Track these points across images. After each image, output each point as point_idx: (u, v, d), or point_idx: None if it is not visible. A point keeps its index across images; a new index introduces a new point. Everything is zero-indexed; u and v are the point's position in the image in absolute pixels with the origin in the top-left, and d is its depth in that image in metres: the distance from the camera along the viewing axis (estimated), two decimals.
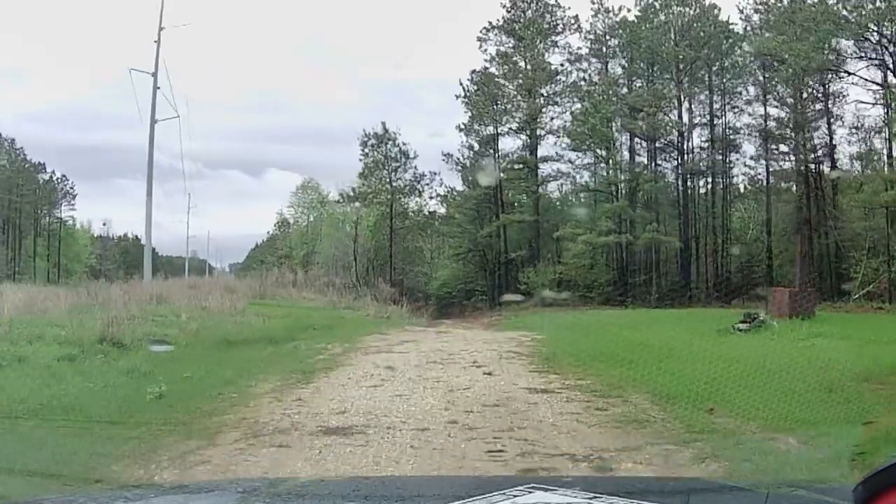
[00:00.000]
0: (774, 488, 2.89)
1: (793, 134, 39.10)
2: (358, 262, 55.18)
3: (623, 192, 41.25)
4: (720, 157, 42.52)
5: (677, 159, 41.58)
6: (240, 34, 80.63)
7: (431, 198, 50.66)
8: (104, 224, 70.76)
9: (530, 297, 41.37)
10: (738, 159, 43.38)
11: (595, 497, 2.14)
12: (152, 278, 41.72)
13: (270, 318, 28.19)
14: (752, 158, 42.50)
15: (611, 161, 40.59)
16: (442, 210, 52.31)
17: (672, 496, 2.64)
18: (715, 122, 43.00)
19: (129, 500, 2.66)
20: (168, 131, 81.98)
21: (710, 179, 43.74)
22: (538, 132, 46.05)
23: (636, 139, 42.96)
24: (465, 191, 47.84)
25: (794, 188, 40.77)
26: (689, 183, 42.51)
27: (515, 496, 2.15)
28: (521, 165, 46.91)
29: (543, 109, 46.19)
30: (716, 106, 43.26)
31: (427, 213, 52.40)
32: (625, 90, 43.99)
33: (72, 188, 63.76)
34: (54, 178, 62.68)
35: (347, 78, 79.43)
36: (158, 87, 41.57)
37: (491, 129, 47.82)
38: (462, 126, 47.71)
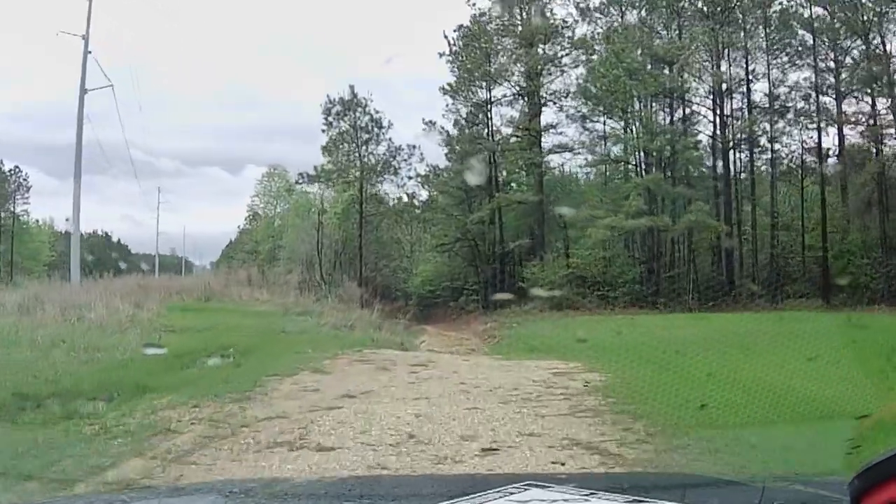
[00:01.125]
0: (770, 482, 2.75)
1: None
2: (323, 256, 46.03)
3: (654, 162, 32.25)
4: (765, 124, 33.73)
5: (715, 124, 32.81)
6: (217, 30, 75.93)
7: (410, 178, 41.57)
8: (67, 220, 65.44)
9: (530, 298, 32.70)
10: (784, 129, 34.63)
11: (591, 494, 2.14)
12: (89, 276, 37.35)
13: (174, 334, 20.15)
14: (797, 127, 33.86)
15: (637, 125, 31.54)
16: (424, 193, 43.49)
17: (668, 491, 2.40)
18: (756, 82, 34.26)
19: (125, 502, 2.54)
20: (136, 125, 77.16)
21: (747, 151, 34.93)
22: (540, 94, 37.15)
23: (663, 101, 34.11)
24: (451, 166, 38.84)
25: (867, 163, 32.05)
26: (730, 155, 33.68)
27: (511, 493, 2.11)
28: (519, 136, 38.02)
29: (547, 67, 37.26)
30: (757, 65, 34.50)
31: (406, 196, 43.12)
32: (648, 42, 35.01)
33: (25, 180, 58.01)
34: (3, 170, 56.72)
35: (328, 75, 76.61)
36: (90, 52, 34.76)
37: (483, 92, 38.98)
38: (447, 87, 38.76)
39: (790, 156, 35.41)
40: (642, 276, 31.63)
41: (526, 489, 2.17)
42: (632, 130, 31.89)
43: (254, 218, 69.23)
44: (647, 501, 2.04)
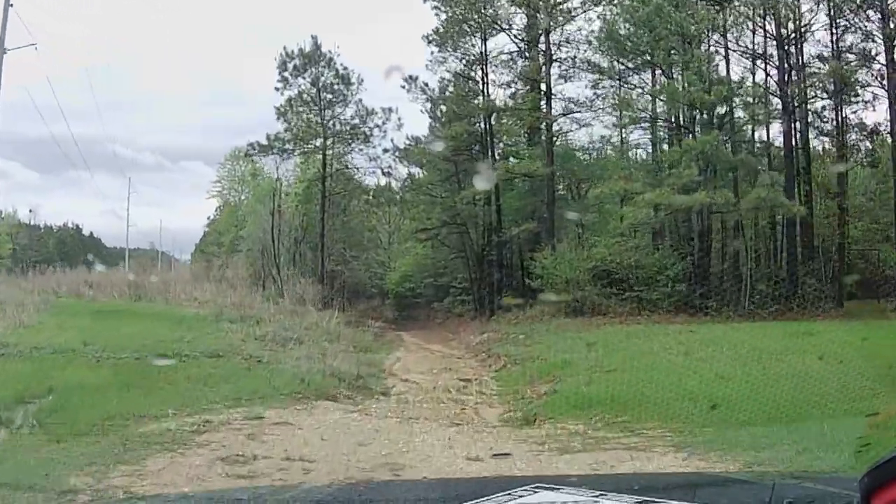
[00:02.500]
0: (780, 479, 2.78)
1: None
2: (281, 246, 37.87)
3: (702, 123, 24.12)
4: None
5: (783, 72, 24.88)
6: (198, 23, 71.23)
7: (386, 150, 33.36)
8: (30, 211, 62.37)
9: (539, 300, 25.01)
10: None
11: (601, 495, 2.10)
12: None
13: None
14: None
15: (684, 72, 23.32)
16: (402, 171, 35.33)
17: (678, 491, 2.39)
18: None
19: None
20: (117, 119, 74.12)
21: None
22: (551, 39, 29.18)
23: (709, 44, 26.14)
24: (437, 129, 30.76)
25: None
26: (796, 121, 25.68)
27: (521, 496, 2.09)
28: (522, 91, 30.04)
29: (558, 7, 29.25)
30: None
31: (382, 172, 34.65)
32: None
33: None
34: None
35: None
36: (11, 5, 28.30)
37: (477, 41, 31.02)
38: (432, 34, 30.69)
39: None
40: (688, 273, 23.71)
41: (535, 491, 2.12)
42: (678, 80, 23.72)
43: (225, 207, 62.68)
44: (657, 501, 1.98)
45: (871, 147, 28.79)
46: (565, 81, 27.69)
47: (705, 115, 23.61)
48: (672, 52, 23.79)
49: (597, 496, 2.10)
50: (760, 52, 25.81)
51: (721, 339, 16.56)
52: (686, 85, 22.80)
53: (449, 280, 32.66)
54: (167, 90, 72.31)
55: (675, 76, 23.89)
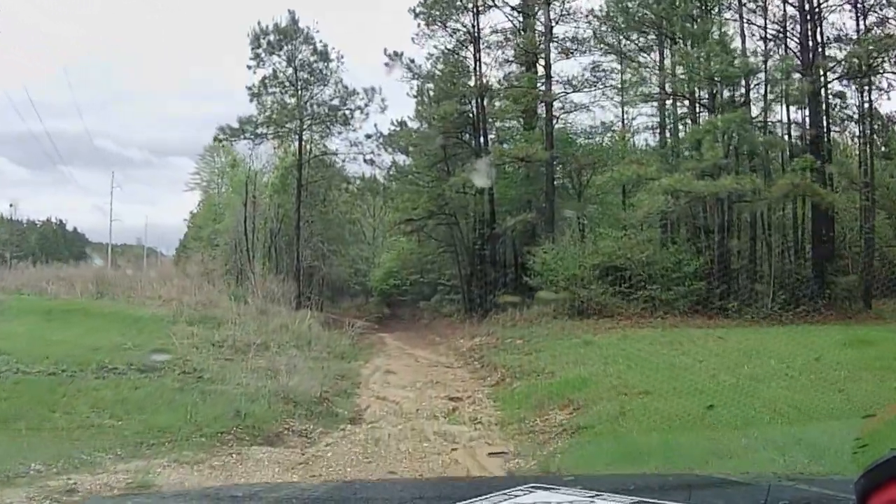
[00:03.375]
0: (776, 481, 2.75)
1: None
2: (256, 240, 34.98)
3: (723, 101, 21.22)
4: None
5: (807, 57, 22.04)
6: (182, 18, 67.85)
7: (369, 136, 30.41)
8: (11, 206, 62.91)
9: (537, 298, 22.39)
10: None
11: (597, 495, 2.07)
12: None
13: None
14: None
15: (706, 44, 20.29)
16: (387, 158, 32.40)
17: (673, 492, 2.44)
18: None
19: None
20: (106, 116, 69.64)
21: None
22: (551, 13, 26.29)
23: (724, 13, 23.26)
24: (424, 111, 27.86)
25: None
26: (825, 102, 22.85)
27: (517, 496, 2.06)
28: (517, 75, 27.16)
29: None
30: None
31: (364, 160, 31.60)
32: None
33: None
34: None
35: None
36: None
37: (469, 17, 28.12)
38: (419, 6, 27.75)
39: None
40: (707, 270, 20.91)
41: (531, 491, 2.10)
42: (696, 52, 20.74)
43: (205, 200, 59.33)
44: (652, 502, 1.95)
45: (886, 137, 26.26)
46: (567, 57, 24.76)
47: (726, 93, 20.76)
48: (689, 21, 20.87)
49: (592, 496, 2.05)
50: (780, 28, 23.02)
51: (762, 349, 13.80)
52: (707, 56, 19.90)
53: (437, 276, 29.81)
54: (155, 86, 70.49)
55: (691, 50, 20.94)
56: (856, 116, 24.85)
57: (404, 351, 21.94)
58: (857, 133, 25.15)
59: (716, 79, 19.92)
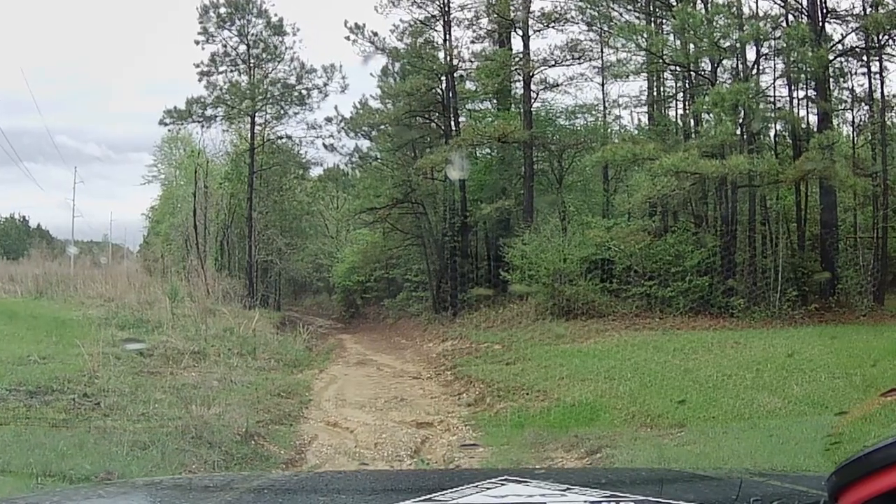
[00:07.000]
0: (747, 477, 2.59)
1: None
2: (208, 234, 32.05)
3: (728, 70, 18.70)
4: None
5: (816, 28, 19.59)
6: (139, 13, 63.54)
7: (329, 120, 27.58)
8: None
9: (516, 295, 20.01)
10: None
11: (568, 489, 2.04)
12: None
13: None
14: None
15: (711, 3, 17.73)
16: (349, 144, 29.47)
17: (644, 486, 2.37)
18: None
19: (102, 496, 2.43)
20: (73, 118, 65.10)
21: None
22: None
23: None
24: (388, 89, 25.08)
25: None
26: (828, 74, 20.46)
27: (488, 488, 2.02)
28: (490, 45, 24.51)
29: None
30: None
31: (325, 147, 28.63)
32: None
33: None
34: None
35: None
36: None
37: None
38: None
39: None
40: (711, 264, 18.47)
41: (503, 484, 2.09)
42: (699, 13, 18.16)
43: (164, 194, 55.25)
44: (624, 496, 1.97)
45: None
46: (546, 26, 22.12)
47: (729, 64, 18.30)
48: None
49: (564, 489, 2.02)
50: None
51: (796, 359, 11.34)
52: (709, 20, 17.41)
53: (403, 272, 27.10)
54: (112, 82, 68.49)
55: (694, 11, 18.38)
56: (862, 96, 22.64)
57: (365, 357, 19.23)
58: (867, 114, 22.92)
59: (721, 44, 17.39)
